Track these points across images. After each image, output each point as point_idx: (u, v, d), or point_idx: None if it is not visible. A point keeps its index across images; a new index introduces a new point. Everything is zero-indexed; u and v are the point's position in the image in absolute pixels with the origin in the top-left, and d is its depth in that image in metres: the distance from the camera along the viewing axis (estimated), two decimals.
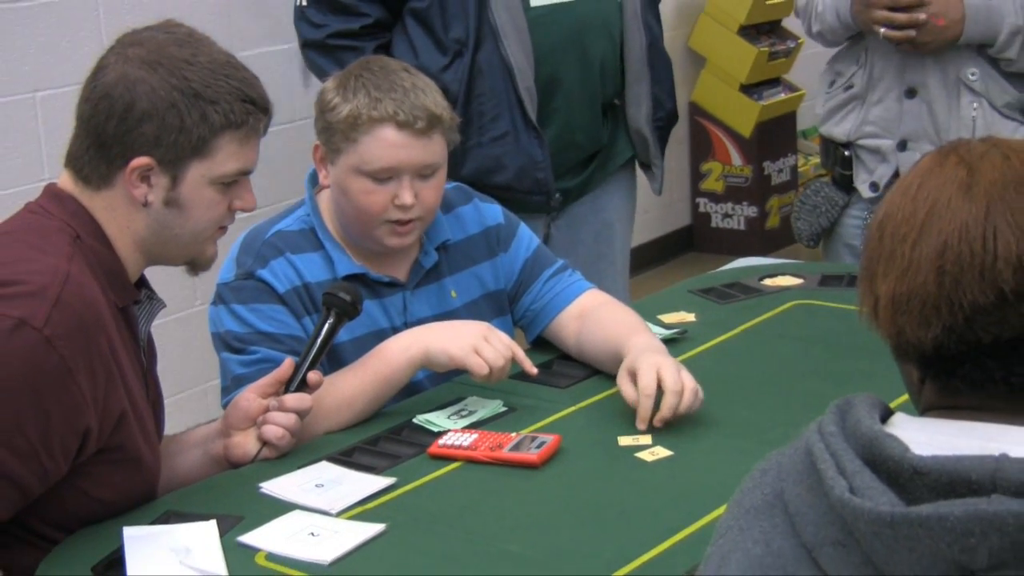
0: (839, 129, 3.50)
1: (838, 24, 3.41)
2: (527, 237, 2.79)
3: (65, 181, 2.14)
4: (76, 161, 2.12)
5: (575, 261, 3.52)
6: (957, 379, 1.26)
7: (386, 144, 2.47)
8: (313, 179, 2.62)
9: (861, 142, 3.46)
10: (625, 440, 2.31)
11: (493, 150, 3.28)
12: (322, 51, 3.36)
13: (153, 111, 2.05)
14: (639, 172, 3.71)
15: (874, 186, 3.47)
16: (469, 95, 3.30)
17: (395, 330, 2.57)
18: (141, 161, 2.07)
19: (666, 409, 2.30)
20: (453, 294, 2.67)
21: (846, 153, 3.50)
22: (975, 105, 3.30)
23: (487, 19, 3.26)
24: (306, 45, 3.41)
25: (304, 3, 3.38)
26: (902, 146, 3.40)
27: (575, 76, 3.40)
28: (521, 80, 3.29)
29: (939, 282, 1.23)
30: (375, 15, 3.33)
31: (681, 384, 2.32)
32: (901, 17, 3.22)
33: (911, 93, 3.37)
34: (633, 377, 2.36)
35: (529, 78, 3.30)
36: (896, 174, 3.42)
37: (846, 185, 3.55)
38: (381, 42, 3.34)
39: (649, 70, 3.52)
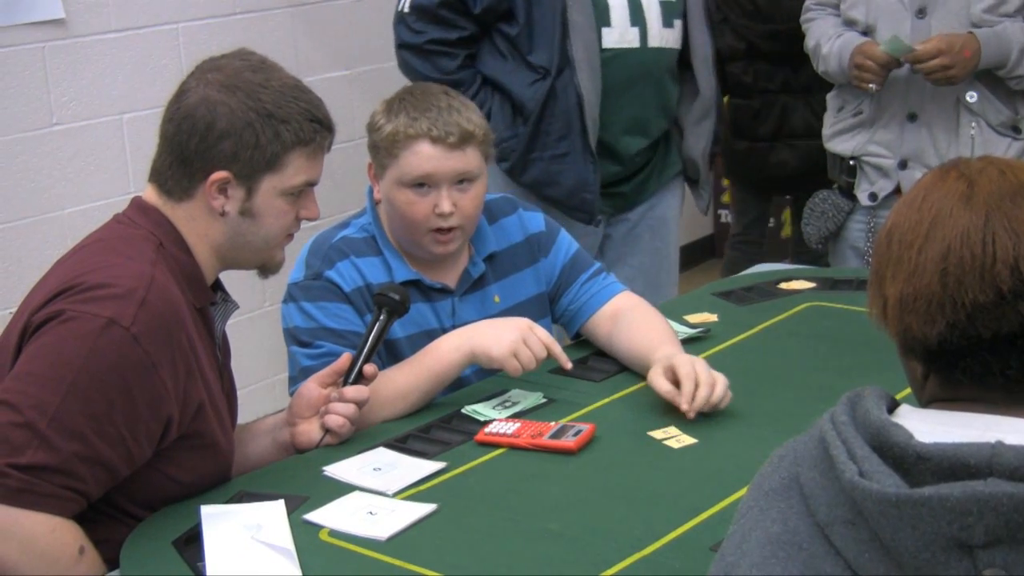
0: (845, 147, 3.50)
1: (839, 71, 3.43)
2: (566, 243, 2.78)
3: (150, 194, 2.16)
4: (160, 175, 2.14)
5: (634, 256, 3.56)
6: (959, 372, 1.26)
7: (422, 157, 2.48)
8: (372, 193, 2.63)
9: (865, 158, 3.46)
10: (653, 428, 2.31)
11: (552, 166, 3.30)
12: (419, 54, 3.36)
13: (231, 130, 2.07)
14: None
15: (873, 196, 3.47)
16: (543, 113, 3.33)
17: (444, 330, 2.57)
18: (220, 175, 2.09)
19: (700, 400, 2.30)
20: (496, 299, 2.67)
21: (851, 163, 3.50)
22: (973, 125, 3.30)
23: (567, 51, 3.28)
24: (403, 47, 3.39)
25: (406, 9, 3.37)
26: (902, 165, 3.40)
27: (636, 112, 3.43)
28: (588, 110, 3.31)
29: (943, 283, 1.24)
30: (470, 30, 3.35)
31: (713, 379, 2.33)
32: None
33: (912, 117, 3.36)
34: (670, 373, 2.36)
35: (595, 109, 3.33)
36: (897, 189, 3.42)
37: (851, 193, 3.54)
38: (471, 51, 3.37)
39: (716, 110, 3.55)
